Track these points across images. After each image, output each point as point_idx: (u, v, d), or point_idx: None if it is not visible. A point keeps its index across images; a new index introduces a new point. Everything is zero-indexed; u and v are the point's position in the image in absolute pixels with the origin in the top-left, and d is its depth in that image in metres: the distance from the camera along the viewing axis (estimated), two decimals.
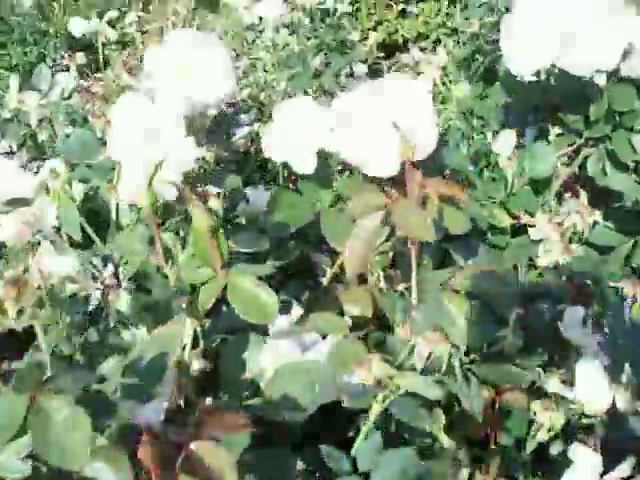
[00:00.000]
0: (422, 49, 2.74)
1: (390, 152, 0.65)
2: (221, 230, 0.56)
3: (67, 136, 0.93)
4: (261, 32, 1.23)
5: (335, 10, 2.59)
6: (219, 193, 0.62)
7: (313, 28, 1.23)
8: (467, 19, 1.28)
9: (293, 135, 0.70)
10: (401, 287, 0.71)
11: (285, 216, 0.76)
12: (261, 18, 1.25)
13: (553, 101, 1.00)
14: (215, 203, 0.56)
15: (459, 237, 0.80)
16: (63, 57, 1.11)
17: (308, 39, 1.27)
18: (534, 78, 1.00)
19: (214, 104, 0.76)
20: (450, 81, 0.94)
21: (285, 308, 0.74)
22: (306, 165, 0.70)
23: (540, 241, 0.72)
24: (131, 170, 0.64)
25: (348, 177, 0.74)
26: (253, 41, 1.26)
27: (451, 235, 0.73)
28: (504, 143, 0.84)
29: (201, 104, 0.75)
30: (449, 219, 0.55)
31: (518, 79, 1.00)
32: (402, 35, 2.86)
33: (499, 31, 1.13)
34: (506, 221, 0.87)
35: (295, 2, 1.34)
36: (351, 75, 1.31)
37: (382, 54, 2.92)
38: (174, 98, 0.69)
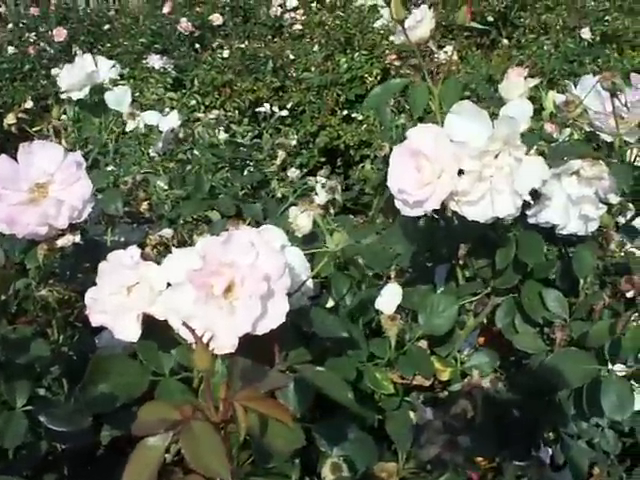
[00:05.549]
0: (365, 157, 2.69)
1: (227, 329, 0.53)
2: None
3: None
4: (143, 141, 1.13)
5: (272, 113, 2.54)
6: None
7: (211, 143, 1.14)
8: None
9: (115, 294, 0.58)
10: None
11: (113, 386, 0.62)
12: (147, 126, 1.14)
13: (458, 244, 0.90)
14: None
15: (323, 418, 0.68)
16: None
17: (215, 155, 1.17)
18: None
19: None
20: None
21: None
22: (129, 332, 0.58)
23: None
24: None
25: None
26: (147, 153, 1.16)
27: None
28: (388, 300, 0.73)
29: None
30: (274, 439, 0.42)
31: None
32: (344, 142, 2.83)
33: None
34: (389, 387, 0.75)
35: (194, 115, 1.26)
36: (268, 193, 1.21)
37: (323, 159, 2.88)
38: None
